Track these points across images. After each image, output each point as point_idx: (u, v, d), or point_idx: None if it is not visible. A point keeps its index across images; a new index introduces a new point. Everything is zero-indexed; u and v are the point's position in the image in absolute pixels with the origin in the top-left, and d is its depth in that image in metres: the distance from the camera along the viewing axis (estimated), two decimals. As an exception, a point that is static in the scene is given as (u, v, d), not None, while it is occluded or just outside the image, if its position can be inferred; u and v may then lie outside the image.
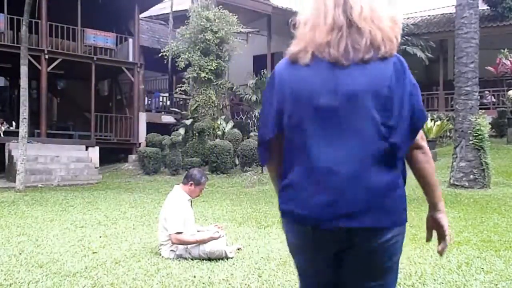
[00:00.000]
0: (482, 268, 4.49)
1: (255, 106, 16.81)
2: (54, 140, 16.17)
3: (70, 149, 15.79)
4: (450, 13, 20.18)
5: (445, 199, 9.58)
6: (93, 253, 5.16)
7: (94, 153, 16.22)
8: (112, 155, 17.39)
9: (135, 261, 4.77)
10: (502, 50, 16.80)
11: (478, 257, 4.97)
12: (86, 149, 16.27)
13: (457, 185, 10.89)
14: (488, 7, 19.89)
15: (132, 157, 17.02)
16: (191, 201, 5.24)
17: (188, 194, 5.15)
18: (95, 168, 15.65)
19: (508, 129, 16.01)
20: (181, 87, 16.62)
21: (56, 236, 6.12)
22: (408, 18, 23.04)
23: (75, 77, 19.08)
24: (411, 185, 8.25)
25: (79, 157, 15.65)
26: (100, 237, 6.09)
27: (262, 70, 17.53)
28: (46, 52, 15.87)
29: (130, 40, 18.31)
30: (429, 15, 23.51)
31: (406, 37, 19.65)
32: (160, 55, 16.53)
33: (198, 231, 5.16)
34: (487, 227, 6.91)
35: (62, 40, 16.61)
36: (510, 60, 16.36)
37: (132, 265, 4.58)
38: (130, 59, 18.17)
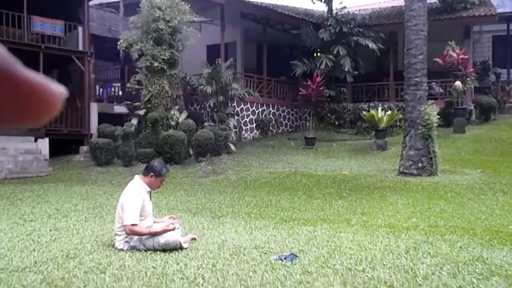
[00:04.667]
0: (429, 252, 4.67)
1: (209, 96, 16.73)
2: (0, 131, 15.58)
3: (17, 141, 15.26)
4: (400, 6, 20.64)
5: (394, 186, 9.92)
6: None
7: (43, 144, 15.75)
8: (62, 146, 16.93)
9: (87, 254, 4.69)
10: (450, 42, 17.34)
11: (425, 242, 5.15)
12: (35, 140, 15.76)
13: (406, 173, 11.23)
14: (437, 0, 20.45)
15: (84, 148, 16.62)
16: (150, 193, 5.18)
17: (148, 185, 5.10)
18: (45, 160, 15.20)
19: (454, 119, 16.60)
20: (135, 77, 16.33)
21: (3, 231, 5.94)
22: (359, 10, 23.43)
23: (22, 66, 18.41)
24: (363, 174, 8.61)
25: (28, 148, 15.16)
26: (50, 230, 5.95)
27: (216, 60, 17.43)
28: (-10, 40, 15.25)
29: (80, 28, 17.80)
30: (379, 8, 23.99)
31: (358, 28, 20.00)
32: (118, 48, 16.15)
33: (154, 223, 5.13)
34: (434, 213, 7.17)
35: (7, 27, 15.96)
36: (457, 52, 16.91)
37: (83, 258, 4.51)
38: (80, 48, 17.67)
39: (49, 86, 0.48)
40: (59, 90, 0.49)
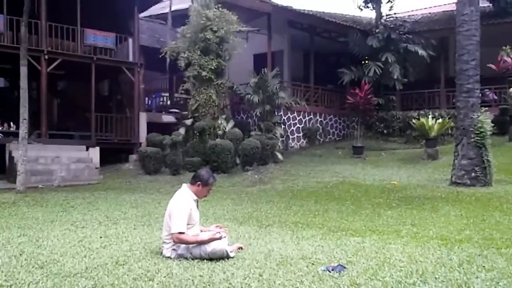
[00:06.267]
0: (484, 266, 4.47)
1: (256, 105, 16.79)
2: (54, 140, 16.14)
3: (70, 150, 15.77)
4: (451, 11, 20.14)
5: (446, 197, 9.60)
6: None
7: (94, 153, 16.20)
8: (112, 155, 17.37)
9: (136, 261, 4.75)
10: (504, 47, 16.75)
11: (479, 255, 4.94)
12: (87, 149, 16.24)
13: (458, 183, 10.87)
14: (490, 4, 19.82)
15: (133, 157, 17.00)
16: (197, 201, 5.20)
17: (195, 194, 5.11)
18: (96, 168, 15.63)
19: (510, 126, 15.98)
20: (183, 87, 16.60)
21: (56, 237, 6.10)
22: (409, 16, 23.02)
23: (75, 77, 19.05)
24: (413, 183, 8.37)
25: (80, 157, 15.64)
26: (101, 237, 6.06)
27: (263, 69, 17.50)
28: (45, 52, 15.85)
29: (130, 40, 18.28)
30: (430, 13, 23.49)
31: (407, 35, 19.63)
32: (161, 56, 16.50)
33: (201, 231, 5.15)
34: (488, 225, 6.89)
35: (61, 40, 16.58)
36: (511, 57, 16.32)
37: (132, 265, 4.56)
38: (130, 59, 18.14)
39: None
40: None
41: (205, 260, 4.73)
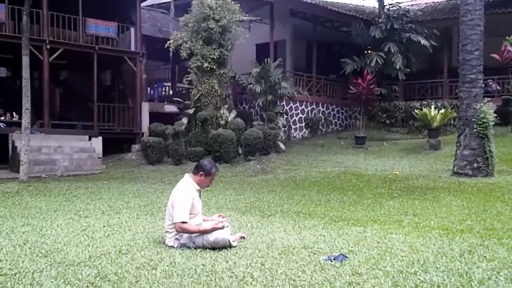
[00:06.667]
0: (485, 256, 4.48)
1: (258, 95, 16.77)
2: (57, 130, 16.14)
3: (73, 140, 15.79)
4: (455, 0, 20.01)
5: (448, 187, 9.61)
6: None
7: (97, 143, 16.22)
8: (115, 145, 17.39)
9: (139, 250, 4.78)
10: (507, 37, 16.65)
11: (480, 245, 4.96)
12: (89, 139, 16.25)
13: (460, 174, 10.87)
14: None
15: (135, 147, 17.02)
16: (200, 191, 5.22)
17: (197, 184, 5.13)
18: (98, 158, 15.66)
19: (512, 117, 15.94)
20: (187, 77, 16.57)
21: (60, 226, 6.13)
22: (412, 5, 22.87)
23: (77, 67, 19.03)
24: (415, 174, 8.40)
25: (82, 147, 15.66)
26: (104, 226, 6.10)
27: (265, 59, 17.45)
28: (47, 42, 15.80)
29: (132, 29, 18.20)
30: (433, 2, 23.31)
31: (410, 24, 19.53)
32: (166, 47, 16.45)
33: (203, 221, 5.17)
34: (490, 215, 6.91)
35: (63, 30, 16.52)
36: (515, 47, 16.23)
37: (135, 255, 4.59)
38: (132, 49, 18.08)
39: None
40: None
41: (207, 249, 4.76)
